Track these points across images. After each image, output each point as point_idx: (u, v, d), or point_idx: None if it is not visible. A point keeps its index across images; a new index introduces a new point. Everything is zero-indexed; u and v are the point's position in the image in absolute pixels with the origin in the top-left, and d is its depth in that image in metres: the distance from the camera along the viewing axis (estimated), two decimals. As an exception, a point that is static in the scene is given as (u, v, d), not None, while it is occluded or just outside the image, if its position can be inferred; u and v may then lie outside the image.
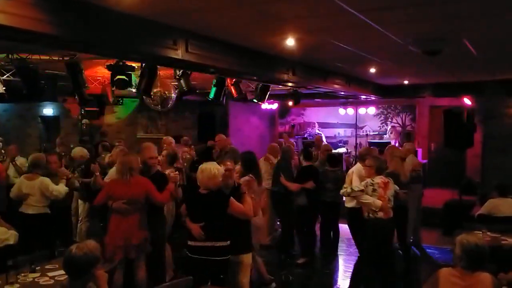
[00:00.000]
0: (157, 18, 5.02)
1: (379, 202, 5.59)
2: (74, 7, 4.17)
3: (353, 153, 13.52)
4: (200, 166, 4.63)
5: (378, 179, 5.72)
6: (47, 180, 6.04)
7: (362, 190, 5.70)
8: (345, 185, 6.21)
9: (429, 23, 5.21)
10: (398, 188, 5.98)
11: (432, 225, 8.78)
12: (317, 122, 14.97)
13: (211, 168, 4.53)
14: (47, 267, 4.42)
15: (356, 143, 13.82)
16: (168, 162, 6.51)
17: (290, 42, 6.04)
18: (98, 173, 6.25)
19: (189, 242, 4.54)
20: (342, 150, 13.18)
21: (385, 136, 13.30)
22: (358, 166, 6.78)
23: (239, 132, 14.41)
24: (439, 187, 9.56)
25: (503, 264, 4.63)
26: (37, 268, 4.34)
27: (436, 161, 12.37)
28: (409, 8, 4.60)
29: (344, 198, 6.88)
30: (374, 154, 6.57)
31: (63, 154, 8.27)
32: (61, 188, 6.10)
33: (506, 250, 5.24)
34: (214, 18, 5.05)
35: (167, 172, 5.82)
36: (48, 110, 12.59)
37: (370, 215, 5.69)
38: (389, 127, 13.72)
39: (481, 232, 5.63)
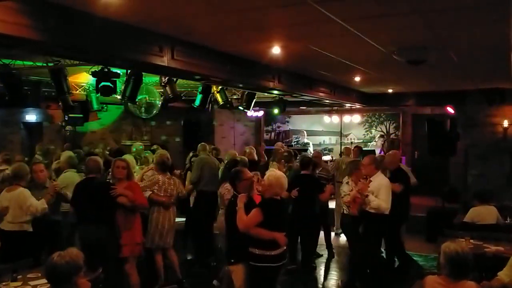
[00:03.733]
0: (142, 25, 5.00)
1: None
2: (58, 12, 4.13)
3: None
4: (273, 173, 4.67)
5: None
6: (26, 192, 5.33)
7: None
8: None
9: (413, 32, 5.28)
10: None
11: (416, 232, 8.83)
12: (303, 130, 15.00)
13: (282, 175, 4.65)
14: (29, 275, 4.35)
15: (341, 151, 13.88)
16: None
17: (275, 49, 6.08)
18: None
19: (271, 252, 4.43)
20: (327, 157, 13.23)
21: (369, 143, 13.40)
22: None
23: (224, 139, 14.40)
24: (422, 194, 9.62)
25: (486, 272, 4.68)
26: (18, 276, 4.26)
27: (420, 168, 12.48)
28: (393, 18, 4.66)
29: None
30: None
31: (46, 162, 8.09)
32: (39, 205, 5.32)
33: (488, 258, 5.29)
34: (200, 25, 5.06)
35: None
36: (31, 117, 12.40)
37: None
38: (378, 135, 13.84)
39: (464, 240, 5.69)
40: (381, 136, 13.72)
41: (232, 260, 4.72)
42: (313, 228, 7.37)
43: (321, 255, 8.14)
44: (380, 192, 5.98)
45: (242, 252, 4.52)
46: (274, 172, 4.73)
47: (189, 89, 10.31)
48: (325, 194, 7.08)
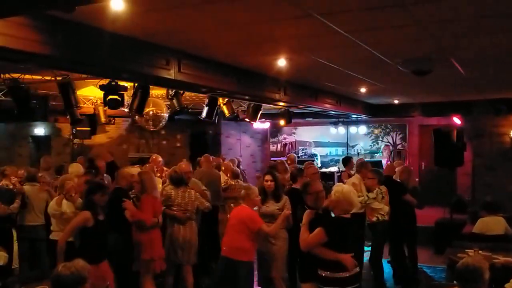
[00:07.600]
0: (149, 39, 5.06)
1: (387, 208, 6.46)
2: (67, 27, 4.20)
3: (345, 171, 13.56)
4: (341, 188, 4.34)
5: (384, 188, 6.54)
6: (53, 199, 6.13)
7: (374, 198, 6.43)
8: (360, 194, 6.53)
9: (418, 43, 5.30)
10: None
11: (424, 243, 8.77)
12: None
13: (350, 190, 4.35)
14: (36, 288, 4.36)
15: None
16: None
17: (281, 62, 6.12)
18: None
19: (340, 274, 4.08)
20: (334, 169, 13.20)
21: (376, 154, 13.36)
22: (359, 176, 7.14)
23: (231, 151, 14.41)
24: (430, 205, 9.55)
25: (495, 283, 4.64)
26: (26, 289, 4.28)
27: (427, 179, 12.43)
28: (397, 29, 4.69)
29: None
30: (370, 168, 7.13)
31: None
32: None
33: (497, 269, 5.24)
34: (206, 39, 5.11)
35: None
36: (39, 130, 12.51)
37: (379, 218, 6.46)
38: (383, 145, 13.81)
39: (472, 251, 5.65)
40: (386, 145, 13.67)
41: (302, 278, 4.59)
42: None
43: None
44: None
45: (312, 271, 4.24)
46: (341, 187, 4.35)
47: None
48: None
